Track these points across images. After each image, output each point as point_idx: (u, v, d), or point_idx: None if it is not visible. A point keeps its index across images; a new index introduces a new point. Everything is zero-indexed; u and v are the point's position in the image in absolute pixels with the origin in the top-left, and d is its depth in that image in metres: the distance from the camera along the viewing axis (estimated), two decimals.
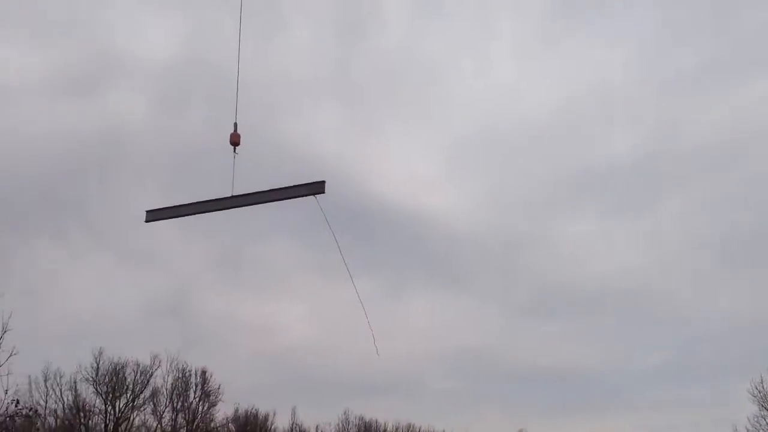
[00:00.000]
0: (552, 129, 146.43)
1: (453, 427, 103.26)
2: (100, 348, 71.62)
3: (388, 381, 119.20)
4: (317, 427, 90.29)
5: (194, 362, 78.50)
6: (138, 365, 72.92)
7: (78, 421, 69.84)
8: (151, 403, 74.04)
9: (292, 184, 16.68)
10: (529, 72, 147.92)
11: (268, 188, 17.05)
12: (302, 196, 16.49)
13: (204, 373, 77.61)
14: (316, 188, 16.41)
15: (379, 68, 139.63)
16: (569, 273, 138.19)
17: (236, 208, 17.22)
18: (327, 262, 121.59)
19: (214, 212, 17.29)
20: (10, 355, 39.11)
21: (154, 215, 18.05)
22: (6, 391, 39.51)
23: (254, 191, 17.11)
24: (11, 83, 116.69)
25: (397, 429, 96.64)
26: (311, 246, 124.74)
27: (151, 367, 73.84)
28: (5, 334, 39.14)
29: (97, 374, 70.70)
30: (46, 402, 67.23)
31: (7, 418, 39.70)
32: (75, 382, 70.05)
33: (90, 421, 70.73)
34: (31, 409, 44.89)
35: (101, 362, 71.08)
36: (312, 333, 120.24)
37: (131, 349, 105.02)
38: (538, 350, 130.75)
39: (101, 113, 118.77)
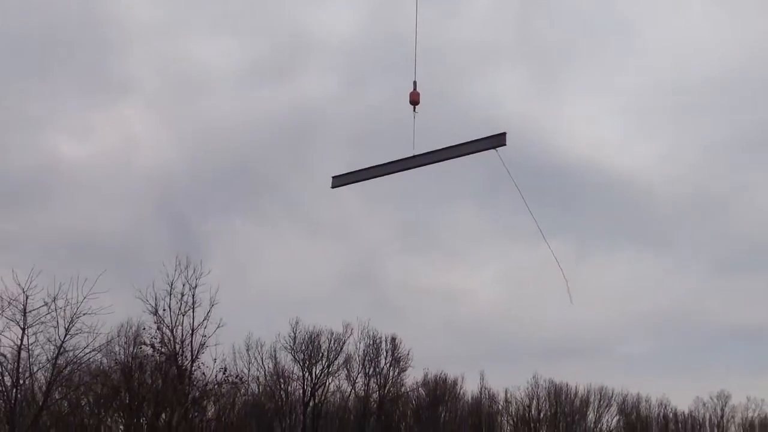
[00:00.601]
0: (754, 74, 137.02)
1: (647, 390, 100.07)
2: (297, 318, 74.93)
3: (578, 344, 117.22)
4: (506, 390, 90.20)
5: (384, 329, 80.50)
6: (332, 333, 75.62)
7: (278, 386, 73.43)
8: (344, 369, 76.66)
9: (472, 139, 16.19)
10: (723, 15, 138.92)
11: (449, 145, 16.64)
12: (483, 149, 15.89)
13: (394, 339, 79.34)
14: (497, 140, 15.74)
15: (562, 27, 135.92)
16: None
17: (419, 167, 16.81)
18: (513, 226, 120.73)
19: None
20: (218, 327, 41.51)
21: (339, 180, 18.08)
22: (215, 360, 42.11)
23: (435, 149, 16.77)
24: (211, 73, 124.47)
25: (588, 392, 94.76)
26: (496, 211, 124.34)
27: (343, 335, 76.35)
28: (213, 308, 41.46)
29: (294, 343, 73.94)
30: (249, 369, 70.97)
31: (216, 385, 42.17)
32: (275, 351, 73.62)
33: (289, 387, 74.17)
34: (237, 376, 47.44)
35: (298, 331, 74.28)
36: (500, 298, 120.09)
37: (325, 318, 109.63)
38: (740, 308, 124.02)
39: (294, 94, 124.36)
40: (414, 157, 16.76)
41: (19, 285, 36.19)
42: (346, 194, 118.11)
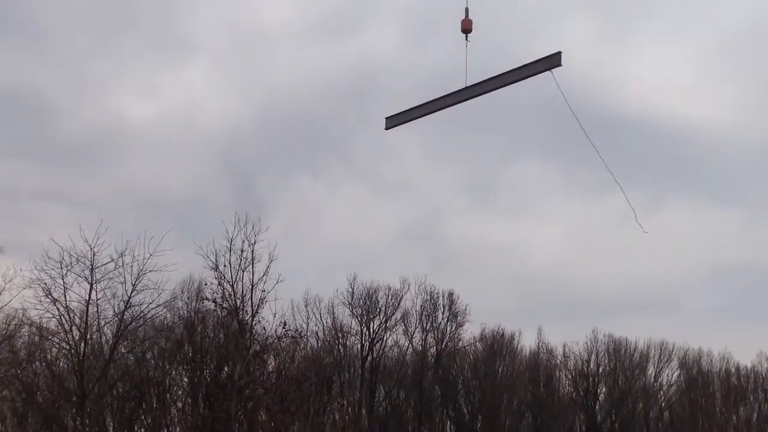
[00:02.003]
0: None
1: (711, 345, 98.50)
2: (355, 273, 75.53)
3: (641, 299, 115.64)
4: (564, 345, 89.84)
5: (442, 285, 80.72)
6: (389, 289, 76.09)
7: (336, 341, 74.36)
8: (402, 324, 77.23)
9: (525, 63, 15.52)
10: None
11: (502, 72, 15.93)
12: (538, 72, 15.31)
13: (451, 294, 79.53)
14: (551, 61, 15.04)
15: None
16: None
17: (474, 98, 16.24)
18: (579, 181, 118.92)
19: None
20: (277, 282, 41.99)
21: (392, 121, 17.78)
22: (274, 315, 42.70)
23: (487, 78, 16.04)
24: (271, 30, 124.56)
25: (648, 347, 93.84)
26: (562, 166, 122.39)
27: (401, 291, 76.73)
28: (271, 264, 41.93)
29: (352, 298, 74.66)
30: (308, 325, 72.06)
31: (276, 339, 42.81)
32: (333, 306, 74.52)
33: (347, 342, 75.07)
34: (296, 330, 48.08)
35: (355, 287, 74.94)
36: (561, 253, 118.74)
37: (383, 274, 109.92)
38: None
39: (355, 51, 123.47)
40: (467, 88, 16.19)
41: (87, 242, 37.24)
42: (410, 149, 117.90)
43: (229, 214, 60.18)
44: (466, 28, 16.86)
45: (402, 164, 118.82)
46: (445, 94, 16.55)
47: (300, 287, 73.80)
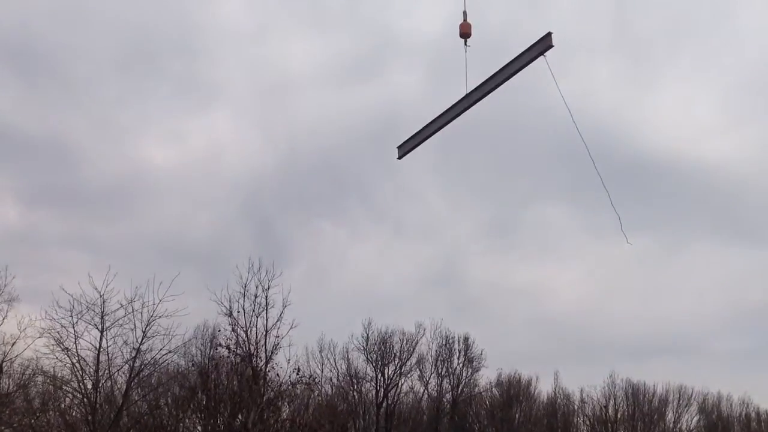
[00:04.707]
0: None
1: (731, 390, 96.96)
2: (369, 318, 75.09)
3: (660, 343, 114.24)
4: (582, 390, 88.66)
5: (458, 329, 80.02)
6: (404, 334, 75.56)
7: (351, 387, 73.66)
8: (417, 369, 76.52)
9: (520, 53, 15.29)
10: None
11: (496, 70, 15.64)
12: (532, 59, 14.93)
13: (466, 339, 78.84)
14: (542, 45, 14.74)
15: (654, 14, 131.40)
16: None
17: (478, 102, 15.97)
18: (598, 224, 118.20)
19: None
20: (291, 328, 41.62)
21: (404, 148, 17.61)
22: (288, 361, 42.31)
23: (483, 80, 15.78)
24: (298, 74, 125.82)
25: (667, 392, 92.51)
26: (582, 209, 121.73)
27: (416, 335, 76.17)
28: (285, 309, 41.69)
29: (367, 343, 74.12)
30: (322, 371, 71.51)
31: (290, 386, 42.39)
32: (347, 352, 73.99)
33: (362, 388, 74.34)
34: (310, 377, 47.67)
35: (370, 332, 74.46)
36: (579, 297, 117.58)
37: (398, 319, 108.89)
38: None
39: (379, 94, 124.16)
40: (466, 96, 15.91)
41: (96, 289, 37.22)
42: (431, 194, 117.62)
43: (250, 259, 60.24)
44: (466, 32, 16.44)
45: (423, 207, 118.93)
46: (448, 108, 16.33)
47: (316, 332, 73.53)
